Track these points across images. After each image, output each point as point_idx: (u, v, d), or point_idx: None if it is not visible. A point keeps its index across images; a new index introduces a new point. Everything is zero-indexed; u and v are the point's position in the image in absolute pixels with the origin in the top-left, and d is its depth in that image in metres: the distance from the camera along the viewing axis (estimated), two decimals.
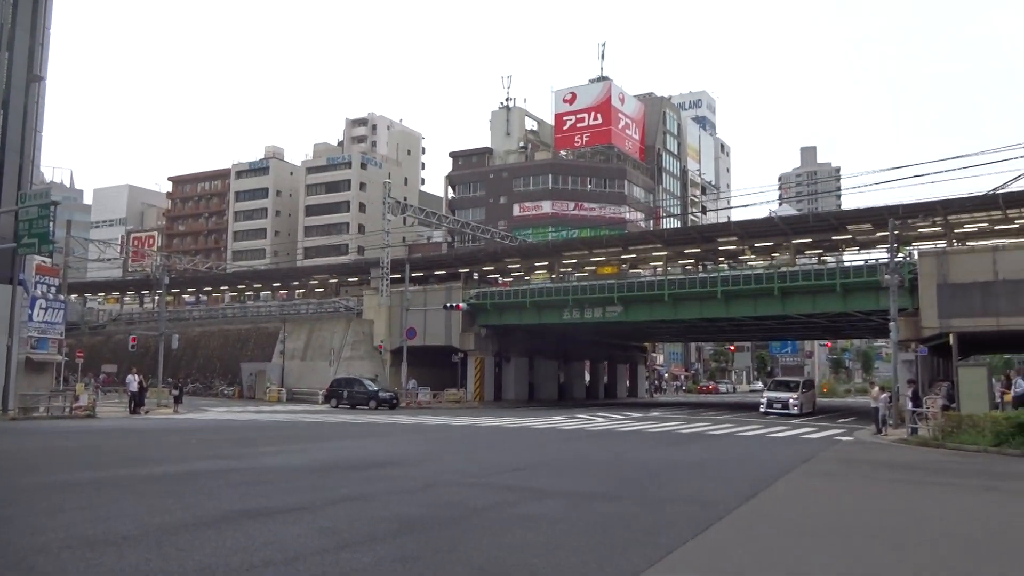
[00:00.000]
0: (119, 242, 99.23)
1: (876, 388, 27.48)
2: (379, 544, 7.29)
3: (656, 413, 38.41)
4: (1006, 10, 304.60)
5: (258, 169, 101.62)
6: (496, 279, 59.61)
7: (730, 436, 23.84)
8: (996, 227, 40.19)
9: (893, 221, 30.48)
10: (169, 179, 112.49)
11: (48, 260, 34.69)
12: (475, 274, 57.89)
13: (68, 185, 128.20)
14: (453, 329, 48.25)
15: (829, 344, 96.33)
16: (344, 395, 41.38)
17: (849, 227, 42.51)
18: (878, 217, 38.30)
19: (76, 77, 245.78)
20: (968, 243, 40.79)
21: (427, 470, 13.90)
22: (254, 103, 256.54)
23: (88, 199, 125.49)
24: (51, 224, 26.66)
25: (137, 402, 33.69)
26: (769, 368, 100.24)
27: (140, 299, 78.96)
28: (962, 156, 78.18)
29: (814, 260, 48.08)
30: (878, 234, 41.34)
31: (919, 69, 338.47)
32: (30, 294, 31.72)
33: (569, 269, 56.81)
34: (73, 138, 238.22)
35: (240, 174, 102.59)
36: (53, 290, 33.98)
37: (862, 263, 39.53)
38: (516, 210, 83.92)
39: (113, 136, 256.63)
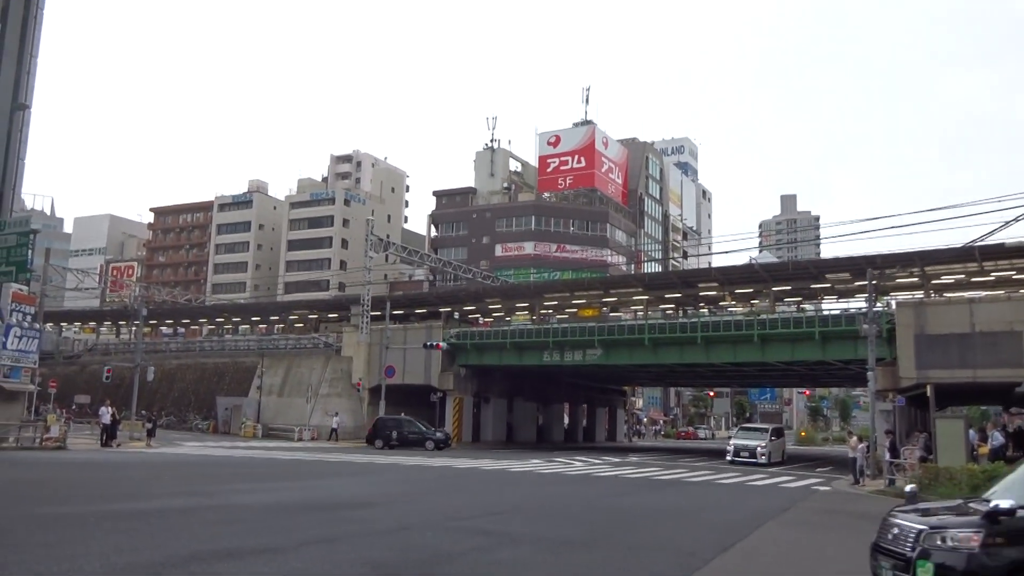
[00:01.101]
0: (98, 272, 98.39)
1: (854, 438, 27.51)
2: None
3: (634, 458, 38.21)
4: (979, 71, 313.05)
5: (241, 202, 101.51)
6: (477, 319, 59.48)
7: (708, 483, 23.73)
8: (972, 279, 40.70)
9: (871, 271, 30.84)
10: (151, 210, 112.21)
11: (25, 288, 34.30)
12: (456, 313, 57.73)
13: (49, 213, 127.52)
14: (432, 368, 47.96)
15: (808, 392, 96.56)
16: (393, 435, 40.36)
17: (828, 276, 42.90)
18: (856, 266, 38.68)
19: (61, 104, 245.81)
20: (945, 294, 41.26)
21: (401, 512, 13.70)
22: (240, 137, 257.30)
23: (69, 227, 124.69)
24: (30, 252, 26.43)
25: (109, 435, 33.09)
26: (748, 415, 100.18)
27: (117, 330, 78.03)
28: (939, 208, 79.71)
29: (793, 308, 48.40)
30: (856, 283, 41.73)
31: (897, 123, 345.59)
32: (5, 322, 31.26)
33: (550, 311, 56.81)
34: (56, 165, 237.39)
35: (223, 207, 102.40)
36: (29, 318, 33.51)
37: (840, 312, 39.80)
38: (498, 250, 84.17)
39: (97, 165, 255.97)
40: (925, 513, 6.36)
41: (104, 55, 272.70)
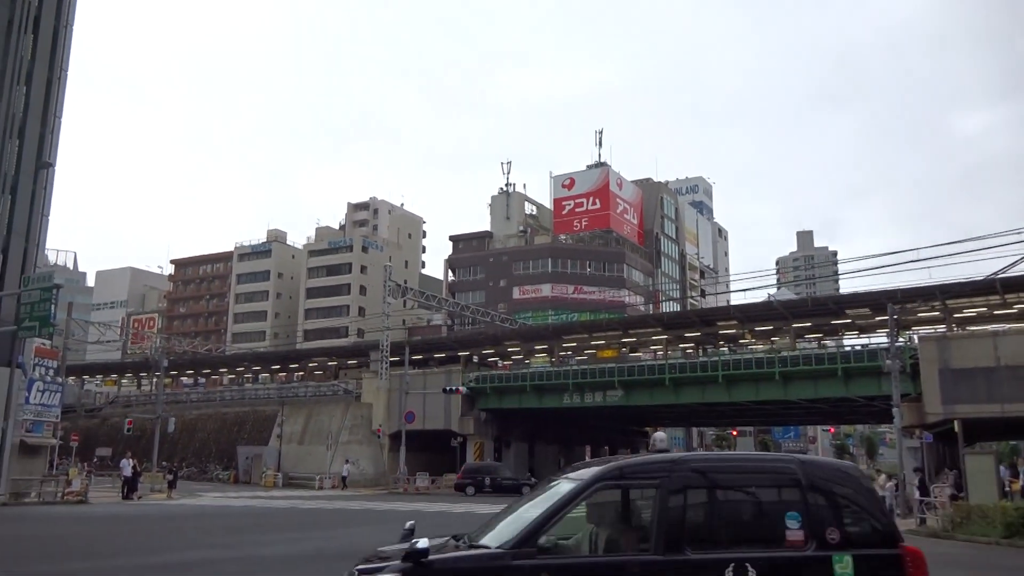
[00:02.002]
0: (119, 324, 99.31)
1: (883, 476, 27.07)
2: None
3: None
4: (994, 107, 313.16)
5: (260, 252, 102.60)
6: (496, 362, 59.37)
7: None
8: (995, 312, 40.29)
9: (892, 306, 30.59)
10: (172, 262, 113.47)
11: (48, 342, 34.65)
12: (475, 357, 57.69)
13: (72, 268, 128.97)
14: (452, 413, 47.78)
15: (832, 429, 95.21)
16: (486, 482, 40.82)
17: (848, 311, 42.59)
18: (876, 301, 38.43)
19: (83, 158, 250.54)
20: (968, 328, 40.82)
21: None
22: (258, 187, 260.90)
23: (91, 281, 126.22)
24: (52, 307, 26.68)
25: (130, 487, 33.06)
26: None
27: (138, 381, 78.49)
28: (959, 241, 79.18)
29: (814, 344, 48.00)
30: (877, 318, 41.39)
31: (913, 159, 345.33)
32: (28, 376, 31.55)
33: (569, 352, 56.65)
34: (79, 219, 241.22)
35: (242, 257, 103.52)
36: (51, 372, 33.86)
37: (863, 347, 39.41)
38: (516, 293, 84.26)
39: (118, 218, 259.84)
40: (389, 553, 5.65)
41: (125, 109, 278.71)
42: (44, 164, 32.44)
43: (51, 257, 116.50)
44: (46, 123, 33.15)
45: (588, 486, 5.31)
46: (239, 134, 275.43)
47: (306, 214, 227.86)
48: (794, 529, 5.13)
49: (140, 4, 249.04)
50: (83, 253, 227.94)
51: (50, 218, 33.48)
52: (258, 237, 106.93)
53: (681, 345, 53.56)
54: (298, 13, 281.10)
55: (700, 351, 52.17)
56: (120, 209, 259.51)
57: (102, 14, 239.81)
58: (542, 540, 5.07)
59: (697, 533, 5.18)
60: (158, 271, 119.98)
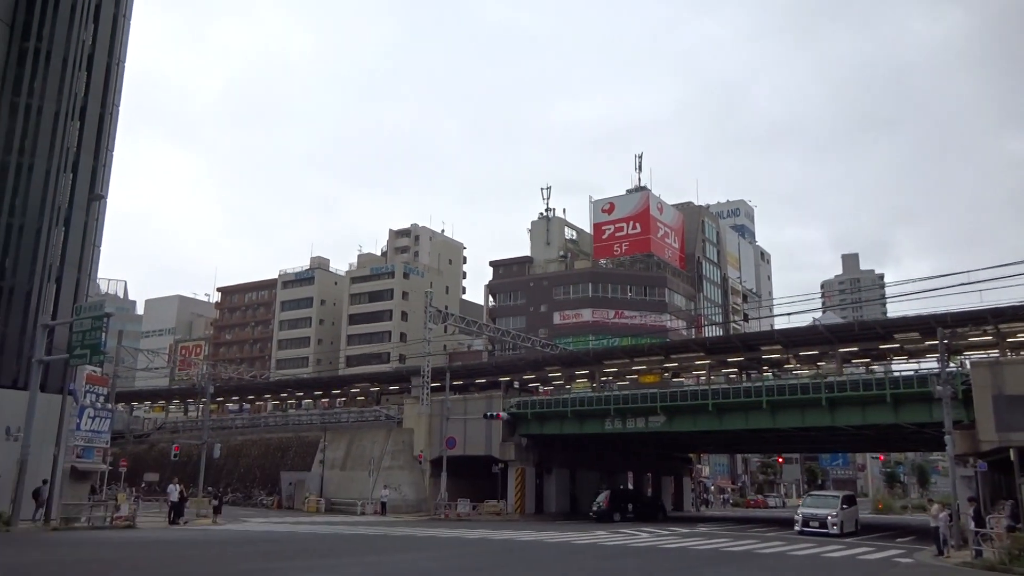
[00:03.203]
0: (167, 351, 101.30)
1: (936, 506, 26.22)
2: None
3: (703, 528, 37.04)
4: None
5: (303, 279, 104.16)
6: (537, 388, 59.19)
7: (781, 555, 22.81)
8: None
9: (942, 330, 29.86)
10: (218, 289, 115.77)
11: (98, 370, 35.47)
12: (516, 383, 57.59)
13: (122, 296, 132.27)
14: (493, 439, 47.65)
15: (882, 457, 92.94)
16: (629, 508, 41.18)
17: (896, 336, 41.69)
18: (926, 326, 37.59)
19: (134, 190, 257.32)
20: (1023, 352, 39.68)
21: None
22: (302, 215, 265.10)
23: (140, 310, 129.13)
24: (103, 335, 27.31)
25: (177, 512, 33.46)
26: (820, 481, 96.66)
27: (185, 408, 79.82)
28: (1010, 264, 77.01)
29: (862, 369, 47.02)
30: (927, 343, 40.46)
31: (962, 181, 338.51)
32: (79, 403, 32.30)
33: (610, 378, 56.28)
34: (129, 249, 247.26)
35: (286, 284, 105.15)
36: (101, 399, 34.58)
37: (912, 373, 38.43)
38: (556, 318, 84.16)
39: (167, 248, 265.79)
40: None
41: (173, 142, 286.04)
42: (96, 196, 33.43)
43: (102, 287, 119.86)
44: (98, 157, 34.21)
45: None
46: (284, 164, 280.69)
47: (348, 241, 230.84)
48: None
49: (192, 38, 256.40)
50: (133, 282, 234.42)
51: (101, 248, 34.42)
52: (302, 264, 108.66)
53: (724, 370, 52.90)
54: (343, 46, 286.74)
55: (744, 376, 51.45)
56: (169, 239, 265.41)
57: (154, 52, 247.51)
58: None
59: None
60: (205, 299, 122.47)
